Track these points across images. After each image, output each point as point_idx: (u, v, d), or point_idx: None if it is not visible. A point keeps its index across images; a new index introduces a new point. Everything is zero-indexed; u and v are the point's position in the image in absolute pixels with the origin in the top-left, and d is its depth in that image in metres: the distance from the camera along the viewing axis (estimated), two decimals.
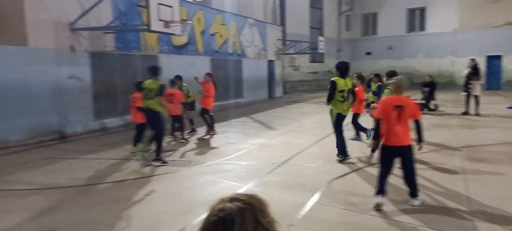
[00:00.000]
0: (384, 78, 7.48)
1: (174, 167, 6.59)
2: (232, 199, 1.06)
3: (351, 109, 7.20)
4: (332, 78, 6.63)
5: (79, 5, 9.33)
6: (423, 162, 6.39)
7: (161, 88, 6.71)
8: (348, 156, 6.75)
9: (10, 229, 4.11)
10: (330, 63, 26.92)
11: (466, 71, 12.50)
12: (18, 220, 4.33)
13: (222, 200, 1.07)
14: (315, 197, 4.95)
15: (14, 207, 4.76)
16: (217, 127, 10.91)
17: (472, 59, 12.64)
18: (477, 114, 12.02)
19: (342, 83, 6.55)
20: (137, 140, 7.48)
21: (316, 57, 25.24)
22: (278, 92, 20.51)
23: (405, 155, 4.53)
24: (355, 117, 8.21)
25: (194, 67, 13.70)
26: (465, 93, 12.47)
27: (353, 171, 6.19)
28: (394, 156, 4.57)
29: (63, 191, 5.41)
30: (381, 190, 4.50)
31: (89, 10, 9.18)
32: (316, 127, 10.38)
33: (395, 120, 4.45)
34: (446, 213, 4.32)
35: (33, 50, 8.47)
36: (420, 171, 5.54)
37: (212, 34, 14.96)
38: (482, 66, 23.60)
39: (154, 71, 6.86)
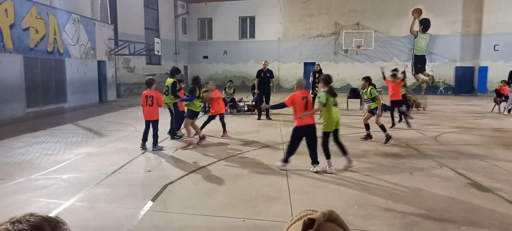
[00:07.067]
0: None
1: None
2: (15, 222, 0.78)
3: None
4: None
5: None
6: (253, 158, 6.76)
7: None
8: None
9: None
10: (167, 66, 26.55)
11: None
12: None
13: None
14: (148, 205, 4.60)
15: None
16: (32, 136, 9.32)
17: (318, 64, 15.06)
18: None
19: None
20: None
21: (153, 59, 24.46)
22: (111, 95, 18.88)
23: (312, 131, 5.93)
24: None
25: (1, 67, 11.39)
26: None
27: (190, 172, 6.07)
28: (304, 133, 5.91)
29: None
30: (287, 159, 5.97)
31: None
32: None
33: (303, 107, 5.81)
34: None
35: None
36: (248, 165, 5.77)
37: (25, 29, 12.70)
38: (301, 71, 27.27)
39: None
